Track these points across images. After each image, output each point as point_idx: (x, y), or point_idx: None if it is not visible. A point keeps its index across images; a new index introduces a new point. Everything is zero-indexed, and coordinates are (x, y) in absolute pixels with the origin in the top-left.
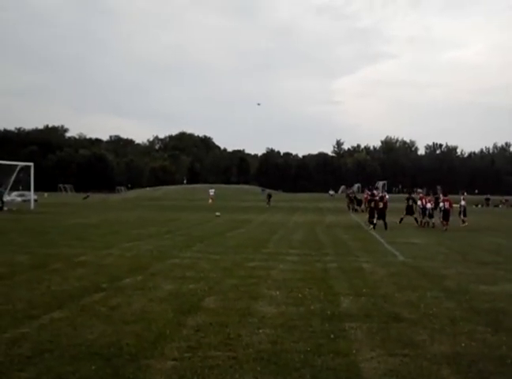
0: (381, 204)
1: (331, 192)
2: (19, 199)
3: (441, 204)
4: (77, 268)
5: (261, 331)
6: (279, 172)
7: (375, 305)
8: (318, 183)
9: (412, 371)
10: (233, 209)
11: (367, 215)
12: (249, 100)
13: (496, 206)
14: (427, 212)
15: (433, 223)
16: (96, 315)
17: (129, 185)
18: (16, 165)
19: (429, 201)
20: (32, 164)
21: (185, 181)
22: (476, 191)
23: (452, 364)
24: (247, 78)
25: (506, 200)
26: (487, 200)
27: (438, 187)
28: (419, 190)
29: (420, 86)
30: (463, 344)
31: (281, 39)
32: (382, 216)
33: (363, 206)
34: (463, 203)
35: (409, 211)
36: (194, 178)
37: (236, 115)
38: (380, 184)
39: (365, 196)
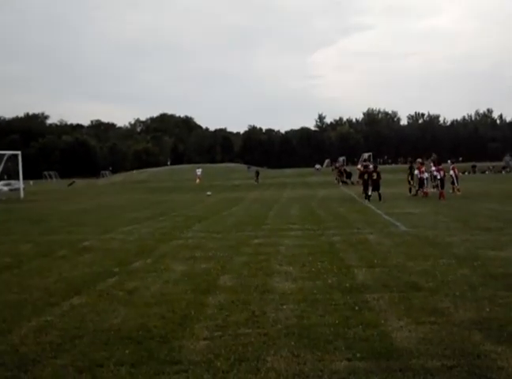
0: (375, 176)
1: (317, 166)
2: (5, 188)
3: (435, 173)
4: (84, 254)
5: (284, 306)
6: (263, 149)
7: (390, 276)
8: (302, 158)
9: (445, 338)
10: (222, 188)
11: (361, 188)
12: (228, 78)
13: (483, 172)
14: (425, 182)
15: (425, 193)
16: (115, 299)
17: (111, 169)
18: (4, 154)
19: (426, 171)
20: (19, 153)
21: (169, 163)
22: (461, 159)
23: (482, 329)
24: (224, 56)
25: (493, 166)
26: (474, 167)
27: (434, 155)
28: (419, 160)
29: (399, 56)
30: (488, 309)
31: (256, 14)
32: (376, 188)
33: (353, 178)
34: (451, 173)
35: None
36: (178, 158)
37: (216, 94)
38: (365, 156)
39: (359, 167)
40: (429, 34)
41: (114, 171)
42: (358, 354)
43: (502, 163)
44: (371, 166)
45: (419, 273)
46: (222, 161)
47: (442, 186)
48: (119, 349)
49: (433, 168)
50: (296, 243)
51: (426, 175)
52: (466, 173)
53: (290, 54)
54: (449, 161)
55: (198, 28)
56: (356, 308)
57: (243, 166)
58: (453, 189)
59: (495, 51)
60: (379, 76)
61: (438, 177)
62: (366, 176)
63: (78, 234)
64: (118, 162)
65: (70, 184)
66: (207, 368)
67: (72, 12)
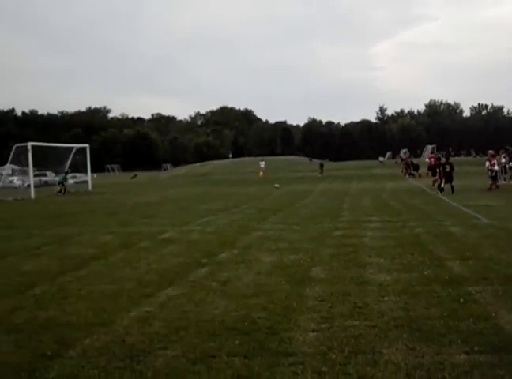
0: (448, 168)
1: (381, 158)
2: (71, 181)
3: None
4: (167, 246)
5: (386, 298)
6: (323, 141)
7: (487, 268)
8: (362, 151)
9: None
10: (287, 180)
11: (430, 180)
12: (287, 70)
13: None
14: (495, 174)
15: (496, 185)
16: (211, 290)
17: (168, 165)
18: (72, 147)
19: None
20: (87, 146)
21: (230, 155)
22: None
23: None
24: (283, 48)
25: None
26: None
27: (509, 147)
28: (491, 152)
29: (460, 47)
30: None
31: (315, 5)
32: (449, 180)
33: (420, 171)
34: (503, 161)
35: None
36: (239, 151)
37: (275, 86)
38: (429, 148)
39: (427, 160)
40: (492, 24)
41: (176, 164)
42: (476, 348)
43: None
44: (443, 158)
45: None
46: (282, 154)
47: None
48: (228, 340)
49: (503, 160)
50: (379, 235)
51: (496, 168)
52: None
53: (350, 46)
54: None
55: (256, 20)
56: (461, 300)
57: (305, 159)
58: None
59: None
60: (441, 67)
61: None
62: (441, 168)
63: (155, 226)
64: (179, 155)
65: (133, 177)
66: (322, 360)
67: (130, 6)
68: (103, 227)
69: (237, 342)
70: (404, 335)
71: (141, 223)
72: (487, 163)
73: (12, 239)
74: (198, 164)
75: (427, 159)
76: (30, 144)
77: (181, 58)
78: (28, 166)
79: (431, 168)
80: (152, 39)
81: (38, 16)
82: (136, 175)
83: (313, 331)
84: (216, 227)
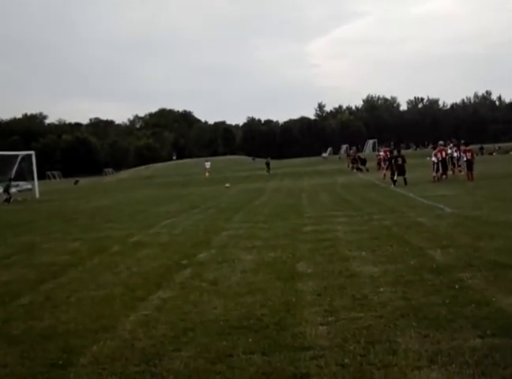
0: (400, 161)
1: (324, 154)
2: (14, 189)
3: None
4: (141, 249)
5: (381, 289)
6: (263, 140)
7: (469, 256)
8: (304, 148)
9: None
10: (235, 179)
11: (384, 173)
12: (224, 70)
13: (491, 154)
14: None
15: (446, 175)
16: (203, 291)
17: (110, 170)
18: (17, 155)
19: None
20: (33, 152)
21: (175, 157)
22: (463, 141)
23: None
24: (220, 47)
25: (500, 147)
26: (482, 149)
27: (454, 140)
28: (441, 142)
29: (395, 42)
30: None
31: (250, 3)
32: (402, 172)
33: (367, 165)
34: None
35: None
36: (180, 153)
37: (213, 86)
38: (370, 142)
39: (377, 154)
40: (424, 18)
41: (117, 168)
42: (488, 332)
43: (510, 144)
44: (395, 151)
45: (496, 251)
46: (224, 154)
47: (470, 168)
48: (240, 338)
49: (450, 151)
50: (350, 229)
51: (434, 159)
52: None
53: (286, 44)
54: (451, 143)
55: (193, 21)
56: (456, 287)
57: (247, 158)
58: (454, 170)
59: (491, 33)
60: (377, 62)
61: (465, 158)
62: (392, 161)
63: (119, 231)
64: (119, 159)
65: (75, 183)
66: (342, 352)
67: (68, 8)
68: (66, 233)
69: (250, 340)
70: (414, 324)
71: (105, 228)
72: (438, 155)
73: None
74: (144, 167)
75: (381, 153)
76: None
77: (117, 60)
78: None
79: (385, 161)
80: (88, 42)
81: None
82: (78, 181)
83: (321, 324)
84: (183, 229)
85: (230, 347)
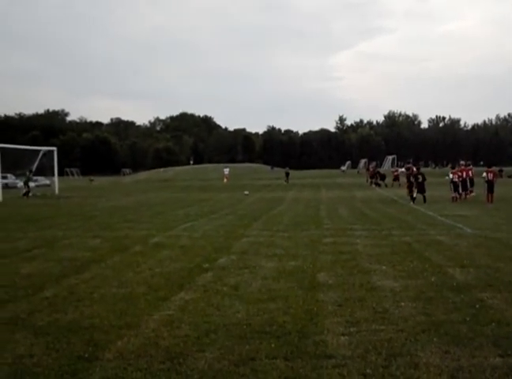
0: (420, 178)
1: (343, 167)
2: (32, 184)
3: (484, 175)
4: (161, 250)
5: (402, 304)
6: (283, 149)
7: (489, 276)
8: (322, 159)
9: None
10: (254, 187)
11: (406, 190)
12: (247, 78)
13: (510, 177)
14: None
15: (462, 196)
16: (225, 295)
17: (128, 170)
18: (39, 150)
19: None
20: (55, 149)
21: (191, 162)
22: (482, 163)
23: None
24: (244, 56)
25: None
26: (501, 171)
27: (462, 161)
28: (462, 162)
29: (419, 59)
30: None
31: (276, 14)
32: (422, 190)
33: (387, 180)
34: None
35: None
36: (199, 158)
37: (235, 94)
38: (389, 158)
39: (394, 170)
40: (450, 38)
41: (135, 169)
42: (509, 351)
43: None
44: (415, 168)
45: None
46: (243, 161)
47: (491, 190)
48: (262, 343)
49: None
50: (370, 243)
51: (452, 177)
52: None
53: (310, 55)
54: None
55: (220, 27)
56: (477, 306)
57: (266, 167)
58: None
59: None
60: (400, 79)
61: (486, 179)
62: (412, 178)
63: (139, 231)
64: (138, 160)
65: (91, 181)
66: (364, 363)
67: (92, 9)
68: (86, 230)
69: (272, 345)
70: (435, 339)
71: (124, 228)
72: (460, 174)
73: None
74: (162, 169)
75: (403, 170)
76: None
77: (141, 62)
78: None
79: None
80: (113, 42)
81: None
82: (93, 180)
83: (343, 334)
84: (203, 233)
85: (253, 350)
